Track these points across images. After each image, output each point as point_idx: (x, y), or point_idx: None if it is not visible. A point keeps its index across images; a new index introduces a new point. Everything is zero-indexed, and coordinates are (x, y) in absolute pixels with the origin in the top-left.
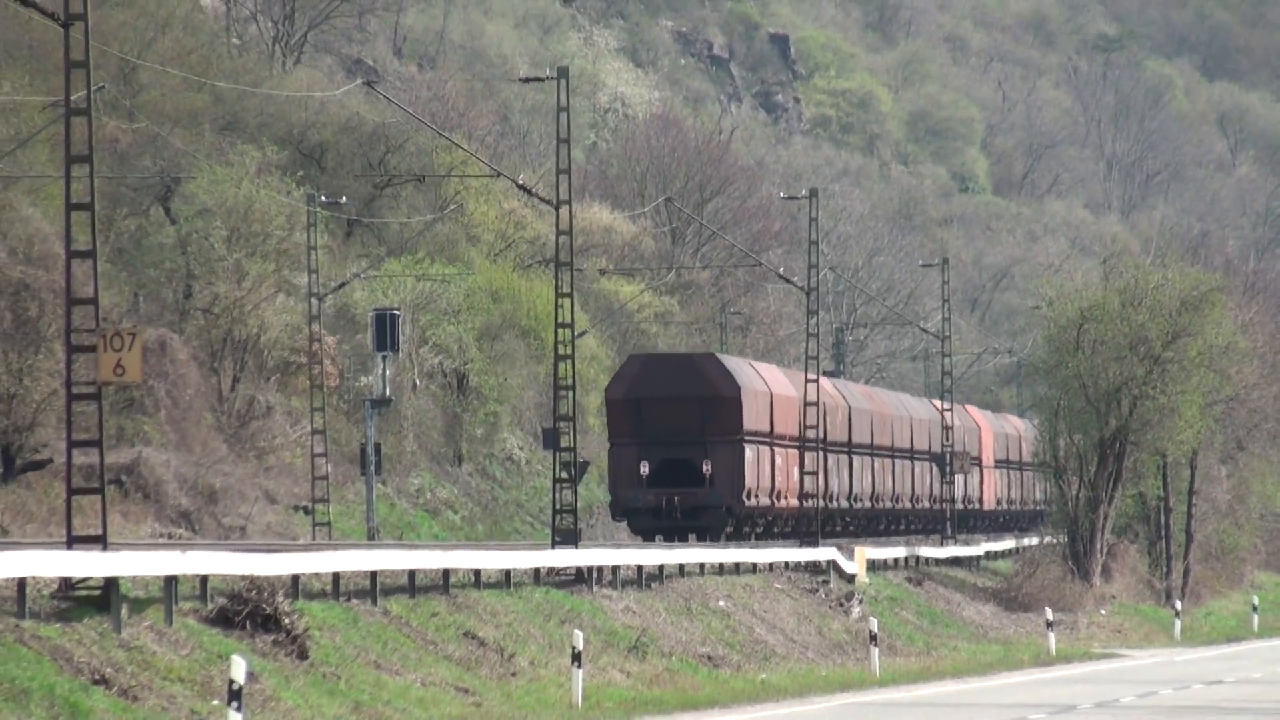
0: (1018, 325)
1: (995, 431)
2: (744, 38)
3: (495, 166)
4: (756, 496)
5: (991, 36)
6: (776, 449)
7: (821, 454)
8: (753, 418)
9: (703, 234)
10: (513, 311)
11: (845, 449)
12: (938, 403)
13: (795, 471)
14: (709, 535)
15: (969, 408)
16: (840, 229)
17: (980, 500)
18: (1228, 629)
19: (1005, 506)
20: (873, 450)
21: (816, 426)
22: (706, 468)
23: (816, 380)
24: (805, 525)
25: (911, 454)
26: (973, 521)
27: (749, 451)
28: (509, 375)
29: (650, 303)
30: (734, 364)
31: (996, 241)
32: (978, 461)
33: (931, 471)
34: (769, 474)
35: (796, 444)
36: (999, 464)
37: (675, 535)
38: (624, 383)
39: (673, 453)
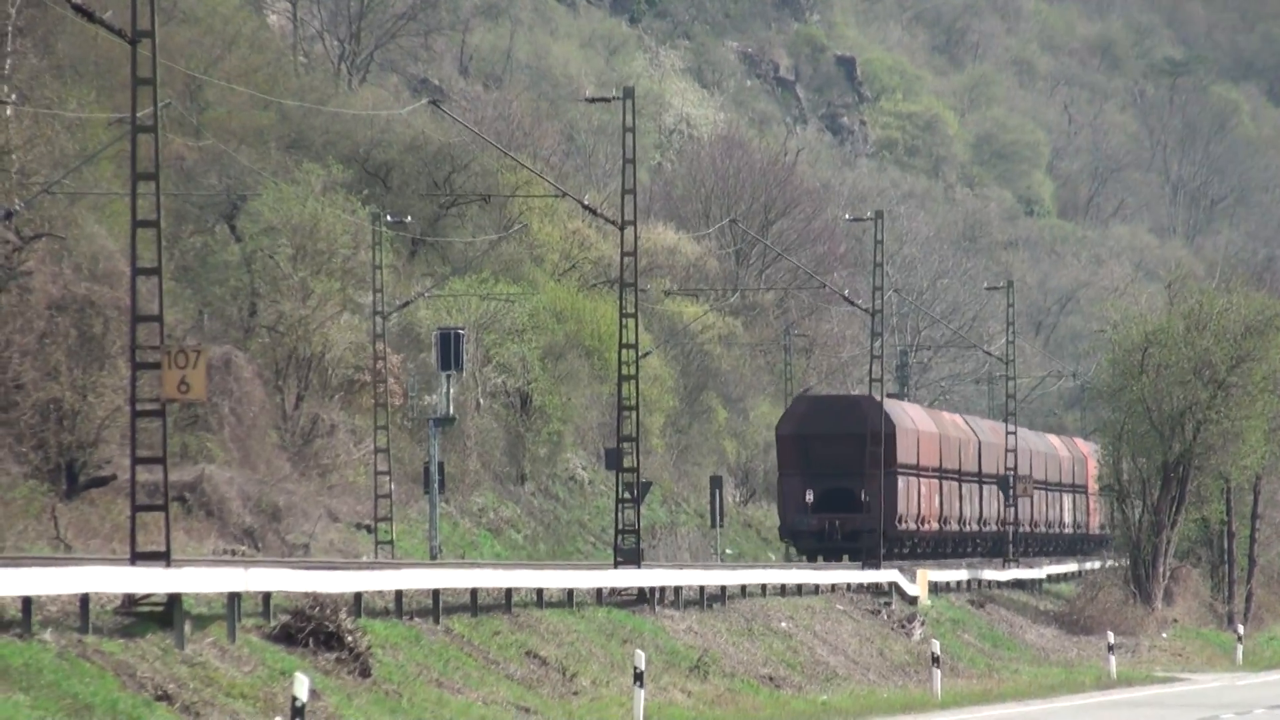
0: (1082, 349)
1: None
2: (810, 59)
3: (560, 186)
4: (905, 521)
5: (1058, 60)
6: (922, 479)
7: (957, 484)
8: (904, 452)
9: (767, 255)
10: (576, 331)
11: (976, 479)
12: (1055, 438)
13: (936, 499)
14: (864, 555)
15: (1076, 440)
16: (905, 251)
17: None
18: None
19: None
20: (996, 479)
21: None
22: (864, 496)
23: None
24: (941, 547)
25: (1043, 483)
26: (1085, 545)
27: (901, 482)
28: (572, 395)
29: (714, 324)
30: (888, 405)
31: (1061, 265)
32: (1083, 489)
33: (1061, 500)
34: (916, 501)
35: (937, 474)
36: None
37: (834, 555)
38: (792, 421)
39: (834, 482)
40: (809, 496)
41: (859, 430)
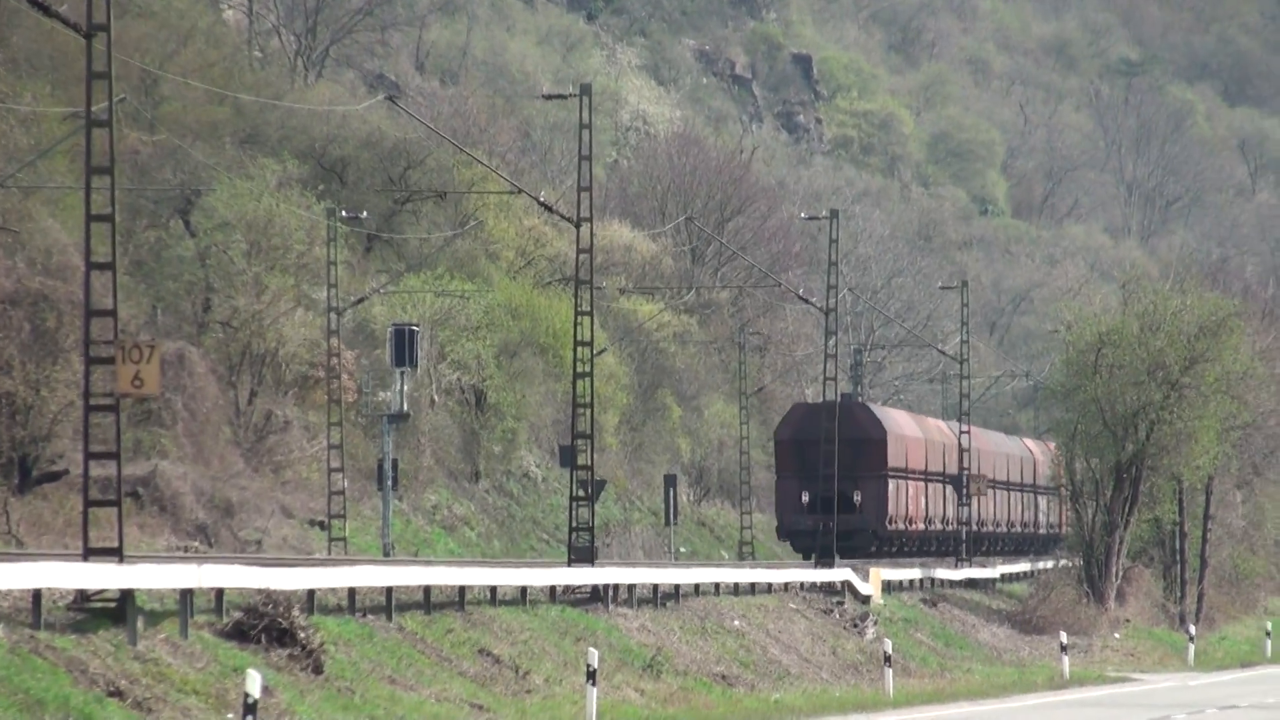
0: (1036, 349)
1: None
2: (766, 57)
3: (516, 183)
4: (896, 521)
5: (1013, 60)
6: (911, 482)
7: (941, 485)
8: (894, 456)
9: (723, 253)
10: (532, 328)
11: (959, 480)
12: (1031, 442)
13: (923, 500)
14: (856, 553)
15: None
16: (860, 250)
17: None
18: (1241, 654)
19: None
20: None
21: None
22: (857, 497)
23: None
24: (928, 545)
25: (1008, 485)
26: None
27: (891, 484)
28: (527, 392)
29: (669, 321)
30: (880, 411)
31: (1015, 265)
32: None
33: (1036, 500)
34: (905, 503)
35: (924, 477)
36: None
37: (829, 554)
38: (790, 426)
39: (829, 485)
40: (805, 498)
41: (855, 435)
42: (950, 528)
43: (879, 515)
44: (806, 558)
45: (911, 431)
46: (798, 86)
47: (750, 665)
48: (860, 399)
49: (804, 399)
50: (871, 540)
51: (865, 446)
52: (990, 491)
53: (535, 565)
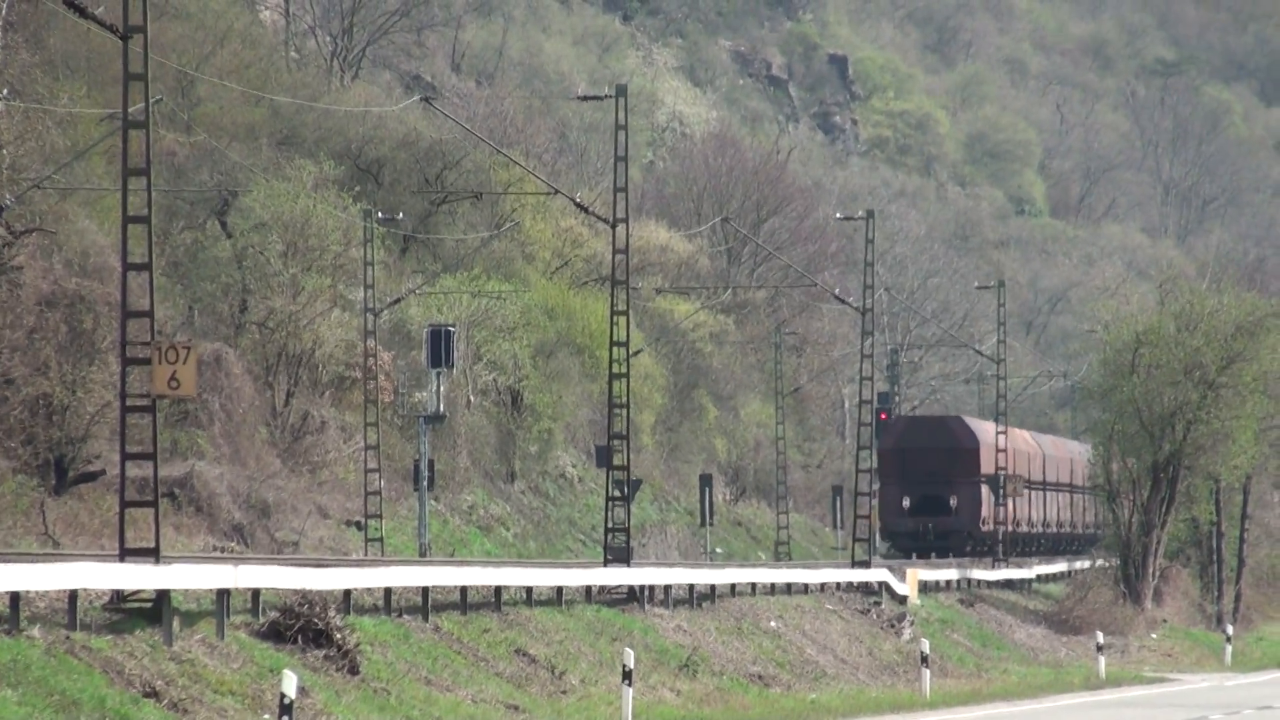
0: (1073, 349)
1: None
2: (802, 58)
3: (552, 184)
4: (988, 523)
5: (1050, 60)
6: None
7: (1028, 491)
8: (986, 464)
9: (759, 254)
10: (568, 329)
11: (1041, 486)
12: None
13: (1011, 504)
14: (953, 553)
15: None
16: (896, 250)
17: None
18: (1279, 655)
19: None
20: (1057, 486)
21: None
22: (953, 501)
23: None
24: (1014, 547)
25: (1071, 487)
26: None
27: (984, 489)
28: (563, 393)
29: (705, 322)
30: (974, 423)
31: (1052, 264)
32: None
33: (1071, 500)
34: (995, 507)
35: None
36: None
37: (926, 553)
38: (891, 436)
39: (928, 490)
40: (905, 502)
41: (949, 445)
42: (1037, 529)
43: (973, 517)
44: (907, 556)
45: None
46: (834, 87)
47: (786, 665)
48: (896, 398)
49: (841, 399)
50: (966, 540)
51: (960, 455)
52: (1033, 492)
53: (571, 565)
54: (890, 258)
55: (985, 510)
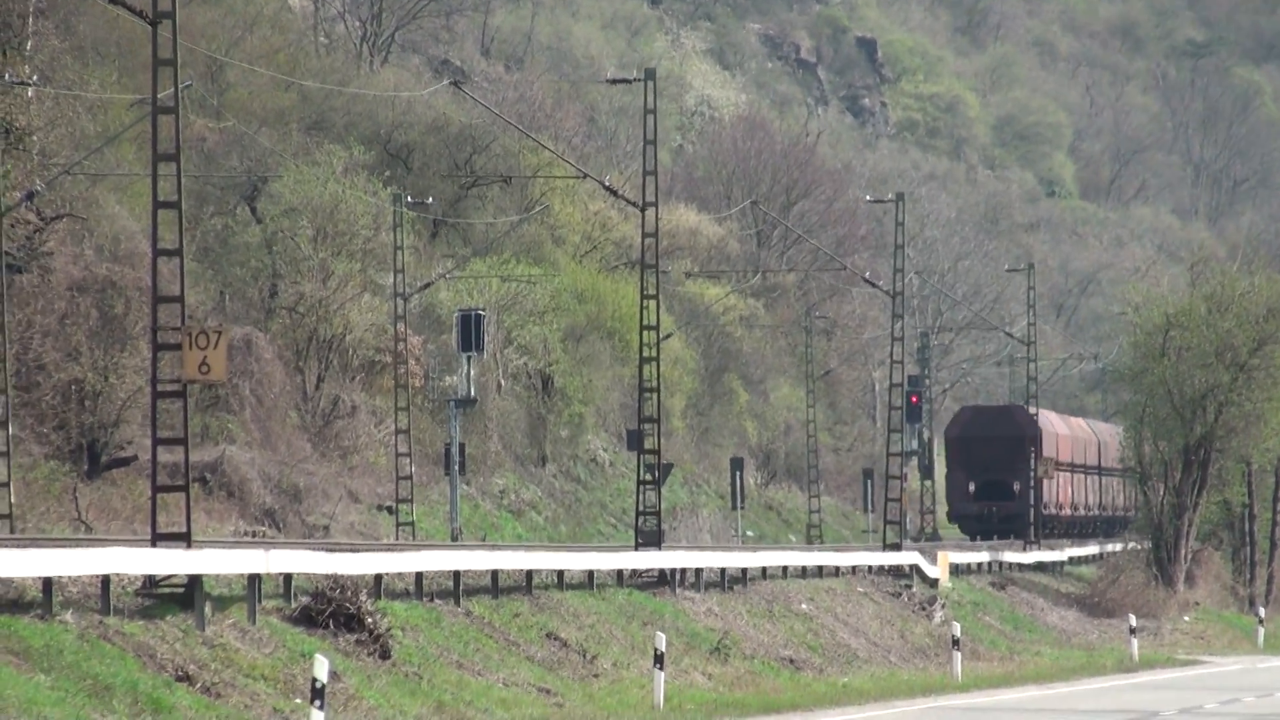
0: (1103, 331)
1: None
2: (831, 41)
3: (581, 168)
4: (1049, 507)
5: (1080, 41)
6: (1062, 473)
7: (1084, 476)
8: (1048, 451)
9: (788, 237)
10: (598, 313)
11: (1098, 471)
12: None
13: (1071, 489)
14: (1014, 535)
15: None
16: (926, 233)
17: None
18: None
19: None
20: (1116, 471)
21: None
22: (1017, 487)
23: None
24: (1074, 528)
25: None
26: None
27: None
28: (593, 377)
29: (735, 305)
30: (1035, 412)
31: (1083, 247)
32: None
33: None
34: (1057, 491)
35: (1071, 469)
36: None
37: (990, 535)
38: (958, 425)
39: (992, 475)
40: (971, 488)
41: (1013, 433)
42: (1094, 512)
43: (1036, 501)
44: (973, 539)
45: (1061, 429)
46: (863, 70)
47: (818, 649)
48: (927, 380)
49: (871, 382)
50: (1029, 523)
51: (1023, 443)
52: (1088, 477)
53: (602, 549)
54: (920, 241)
55: (1047, 494)
